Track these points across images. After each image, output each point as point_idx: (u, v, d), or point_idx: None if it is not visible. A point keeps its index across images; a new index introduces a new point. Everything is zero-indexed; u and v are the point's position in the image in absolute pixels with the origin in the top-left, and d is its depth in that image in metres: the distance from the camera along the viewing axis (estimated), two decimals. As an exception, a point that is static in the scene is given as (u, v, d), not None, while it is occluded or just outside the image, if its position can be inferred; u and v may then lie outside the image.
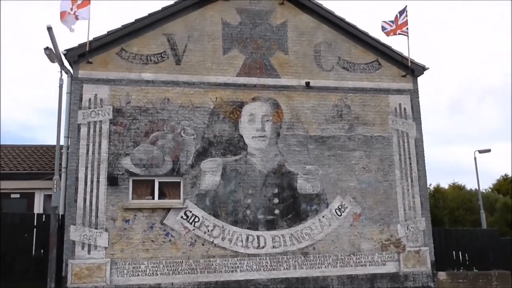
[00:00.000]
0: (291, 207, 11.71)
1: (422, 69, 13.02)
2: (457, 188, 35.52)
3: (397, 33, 12.54)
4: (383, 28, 12.72)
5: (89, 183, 10.87)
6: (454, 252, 12.91)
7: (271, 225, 11.50)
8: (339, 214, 11.92)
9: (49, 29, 10.28)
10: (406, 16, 12.58)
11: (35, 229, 10.61)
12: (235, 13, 12.37)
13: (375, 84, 12.79)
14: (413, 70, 12.94)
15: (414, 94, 12.99)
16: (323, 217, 11.82)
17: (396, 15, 12.78)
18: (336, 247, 11.71)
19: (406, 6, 12.67)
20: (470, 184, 48.23)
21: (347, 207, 11.99)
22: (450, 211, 29.67)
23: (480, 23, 77.76)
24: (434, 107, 65.69)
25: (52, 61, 10.77)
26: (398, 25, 12.54)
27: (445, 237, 12.96)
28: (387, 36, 12.72)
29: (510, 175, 35.95)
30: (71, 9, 10.76)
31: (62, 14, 10.76)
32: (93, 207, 10.78)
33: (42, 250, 10.51)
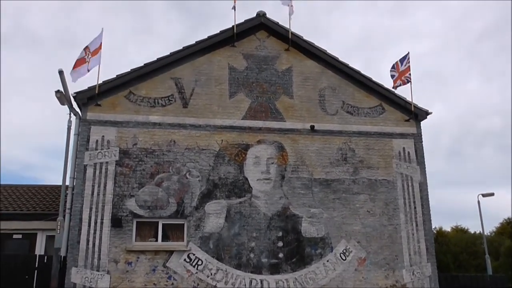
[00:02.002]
0: (296, 250, 11.60)
1: (425, 113, 13.21)
2: (460, 232, 35.19)
3: (402, 79, 12.80)
4: (393, 77, 13.02)
5: (92, 224, 10.82)
6: (461, 299, 12.67)
7: (275, 269, 11.35)
8: (344, 258, 11.79)
9: (61, 72, 10.55)
10: (408, 62, 12.90)
11: (36, 271, 10.45)
12: (242, 58, 12.70)
13: (379, 128, 12.95)
14: (416, 114, 13.13)
15: (417, 138, 13.12)
16: (327, 261, 11.68)
17: (397, 62, 13.10)
18: (341, 292, 11.51)
19: (408, 53, 13.02)
20: (473, 228, 47.76)
21: (351, 251, 11.87)
22: (453, 255, 29.26)
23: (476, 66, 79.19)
24: (434, 149, 65.96)
25: (62, 104, 10.99)
26: (400, 71, 12.85)
27: (452, 283, 12.75)
28: (394, 87, 12.97)
29: (513, 219, 35.62)
30: (85, 59, 11.16)
31: (77, 63, 11.12)
32: (96, 248, 10.69)
33: (43, 293, 10.32)
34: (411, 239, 12.28)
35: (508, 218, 36.06)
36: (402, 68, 12.87)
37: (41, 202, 14.13)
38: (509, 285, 13.49)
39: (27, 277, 10.35)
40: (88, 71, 11.26)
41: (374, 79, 13.19)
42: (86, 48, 11.41)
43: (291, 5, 12.67)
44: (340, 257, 11.77)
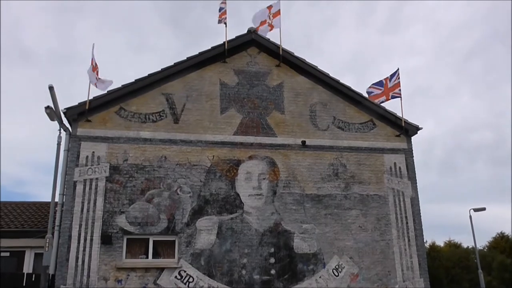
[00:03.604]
0: (288, 267, 11.51)
1: (415, 129, 13.29)
2: (453, 246, 35.20)
3: (390, 96, 12.88)
4: (369, 93, 13.07)
5: (82, 241, 10.68)
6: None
7: (267, 285, 11.23)
8: (337, 274, 11.71)
9: (51, 88, 10.50)
10: (398, 78, 13.00)
11: (24, 290, 10.27)
12: (233, 74, 12.74)
13: (369, 143, 13.00)
14: (407, 130, 13.21)
15: (408, 153, 13.17)
16: (320, 277, 11.59)
17: (386, 78, 13.18)
18: (334, 309, 11.40)
19: (398, 69, 13.13)
20: (465, 242, 47.72)
21: (344, 267, 11.80)
22: (446, 270, 29.19)
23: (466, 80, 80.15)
24: (426, 164, 66.26)
25: (52, 119, 10.91)
26: (389, 88, 12.91)
27: (445, 298, 12.69)
28: (376, 101, 13.01)
29: (506, 233, 35.71)
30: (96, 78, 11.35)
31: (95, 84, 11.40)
32: (85, 266, 10.53)
33: (30, 312, 10.12)
34: (403, 254, 12.24)
35: (501, 233, 36.15)
36: (391, 84, 12.95)
37: (30, 219, 13.93)
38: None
39: (14, 296, 10.16)
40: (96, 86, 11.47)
41: (364, 95, 13.27)
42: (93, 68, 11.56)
43: (270, 24, 12.67)
44: (332, 273, 11.69)
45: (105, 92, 11.53)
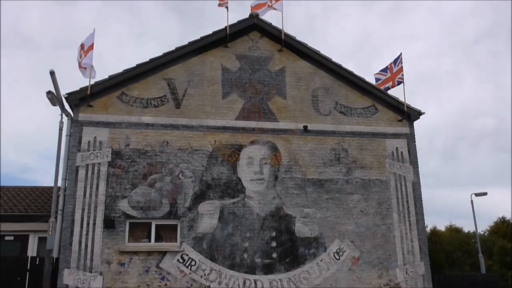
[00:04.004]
0: (289, 250, 11.60)
1: (418, 114, 13.25)
2: (454, 231, 35.33)
3: (395, 81, 12.84)
4: (377, 80, 13.05)
5: (85, 225, 10.77)
6: (454, 298, 12.71)
7: (268, 269, 11.34)
8: (338, 258, 11.80)
9: (52, 73, 10.49)
10: (401, 63, 12.94)
11: (28, 273, 10.36)
12: (235, 59, 12.68)
13: (372, 128, 12.98)
14: (409, 115, 13.17)
15: (410, 138, 13.16)
16: (321, 261, 11.69)
17: (391, 64, 13.14)
18: (335, 292, 11.52)
19: (401, 54, 13.05)
20: (467, 227, 47.94)
21: (345, 250, 11.89)
22: (447, 254, 29.36)
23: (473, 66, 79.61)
24: (429, 150, 66.24)
25: (54, 105, 10.93)
26: (394, 73, 12.87)
27: (445, 282, 12.79)
28: (383, 88, 12.99)
29: (507, 218, 35.80)
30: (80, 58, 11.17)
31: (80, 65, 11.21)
32: (88, 250, 10.63)
33: (35, 295, 10.26)
34: (404, 238, 12.31)
35: (502, 217, 36.25)
36: (395, 69, 12.90)
37: (33, 203, 14.06)
38: (501, 284, 13.52)
39: (19, 278, 10.27)
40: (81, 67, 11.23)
41: (367, 79, 13.22)
42: (82, 46, 11.39)
43: (271, 6, 12.58)
44: (333, 257, 11.78)
45: (95, 78, 11.47)
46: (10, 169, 59.77)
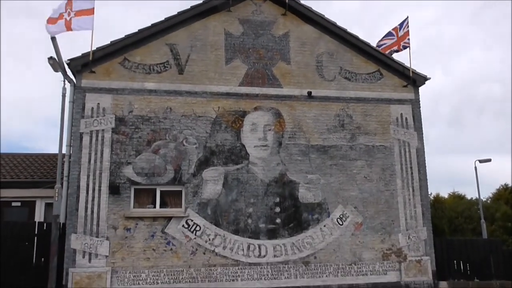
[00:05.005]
0: (293, 216, 11.71)
1: (423, 79, 13.09)
2: (457, 197, 35.50)
3: (401, 46, 12.63)
4: (380, 46, 12.83)
5: (90, 191, 10.88)
6: (455, 262, 12.87)
7: (272, 234, 11.49)
8: (341, 223, 11.92)
9: (53, 38, 10.36)
10: (407, 27, 12.69)
11: (36, 238, 10.59)
12: (238, 24, 12.47)
13: (376, 94, 12.86)
14: (414, 80, 13.02)
15: (415, 104, 13.05)
16: (324, 226, 11.82)
17: (396, 27, 12.90)
18: (338, 256, 11.70)
19: (407, 17, 12.80)
20: (470, 194, 48.14)
21: (348, 216, 12.00)
22: (449, 220, 29.60)
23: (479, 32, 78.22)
24: (434, 117, 65.84)
25: (56, 71, 10.85)
26: (399, 37, 12.65)
27: (447, 246, 12.93)
28: (388, 51, 12.79)
29: (510, 185, 35.87)
30: (68, 14, 10.64)
31: (52, 20, 10.56)
32: (95, 215, 10.78)
33: (42, 259, 10.48)
34: (407, 204, 12.39)
35: (505, 184, 36.33)
36: (401, 33, 12.67)
37: (39, 170, 14.18)
38: (502, 248, 13.65)
39: (27, 243, 10.49)
40: (70, 29, 10.68)
41: (372, 44, 13.00)
42: (68, 3, 10.80)
43: None
44: (337, 222, 11.90)
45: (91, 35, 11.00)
46: (13, 137, 60.03)
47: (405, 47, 12.69)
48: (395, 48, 12.73)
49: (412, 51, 12.69)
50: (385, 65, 13.01)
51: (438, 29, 76.73)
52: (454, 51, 79.22)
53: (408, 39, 12.67)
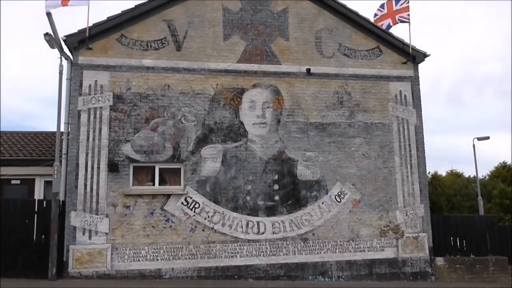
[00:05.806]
0: (291, 193, 11.77)
1: (423, 56, 12.99)
2: (455, 175, 35.69)
3: (396, 19, 12.46)
4: (375, 15, 12.65)
5: (89, 169, 10.88)
6: (452, 238, 13.01)
7: (271, 211, 11.57)
8: (339, 200, 11.99)
9: (48, 14, 10.20)
10: (407, 2, 12.51)
11: (36, 215, 10.61)
12: (236, -1, 12.29)
13: (375, 71, 12.77)
14: (414, 57, 12.91)
15: (414, 81, 12.98)
16: (322, 203, 11.89)
17: (389, 1, 12.67)
18: (336, 233, 11.81)
19: (406, -8, 12.60)
20: (468, 172, 48.39)
21: (346, 193, 12.06)
22: (447, 197, 29.83)
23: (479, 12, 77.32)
24: (433, 95, 65.64)
25: (52, 47, 10.72)
26: (394, 10, 12.43)
27: (444, 223, 13.05)
28: (380, 24, 12.61)
29: (508, 163, 36.00)
30: None
31: None
32: (94, 193, 10.81)
33: (43, 236, 10.52)
34: (405, 181, 12.44)
35: (503, 162, 36.44)
36: (397, 7, 12.46)
37: (37, 148, 14.17)
38: (498, 225, 13.77)
39: (27, 221, 10.54)
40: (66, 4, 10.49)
41: (372, 20, 12.84)
42: None
43: None
44: (335, 199, 11.97)
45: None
46: (12, 116, 59.84)
47: (403, 22, 12.49)
48: (389, 21, 12.52)
49: (412, 27, 12.49)
50: (385, 42, 12.89)
51: (439, 3, 75.83)
52: (456, 28, 78.44)
53: (408, 14, 12.50)
